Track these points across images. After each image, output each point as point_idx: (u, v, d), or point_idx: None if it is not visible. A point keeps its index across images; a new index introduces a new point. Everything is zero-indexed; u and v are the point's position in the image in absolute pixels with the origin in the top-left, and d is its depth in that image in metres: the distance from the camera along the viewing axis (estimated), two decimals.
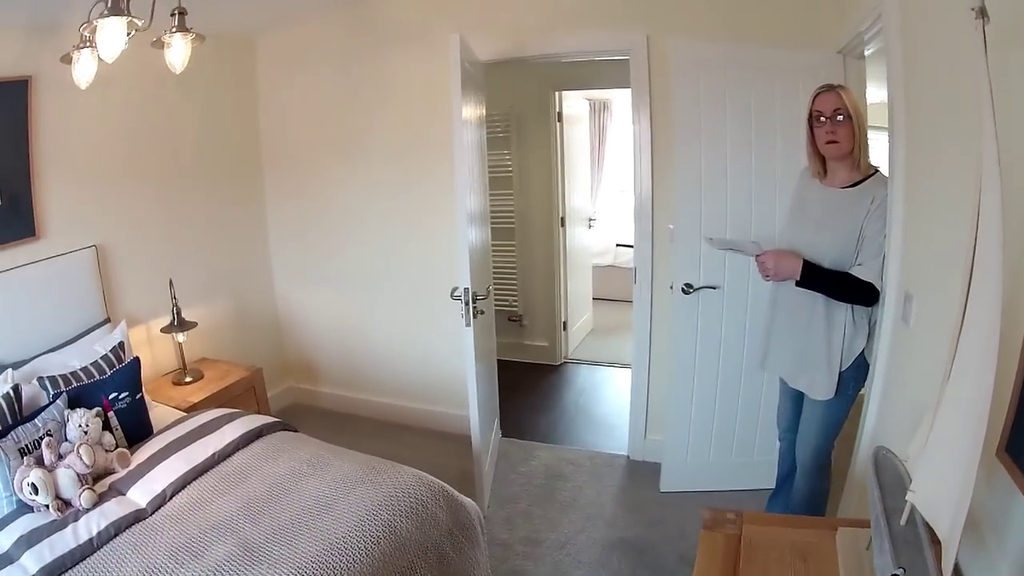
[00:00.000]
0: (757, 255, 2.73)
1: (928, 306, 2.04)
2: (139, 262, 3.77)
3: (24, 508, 2.42)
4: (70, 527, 2.31)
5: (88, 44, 2.67)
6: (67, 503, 2.43)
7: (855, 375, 2.62)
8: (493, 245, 4.51)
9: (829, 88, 2.55)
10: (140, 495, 2.52)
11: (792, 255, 2.60)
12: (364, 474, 2.65)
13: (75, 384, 2.89)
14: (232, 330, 4.45)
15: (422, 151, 4.21)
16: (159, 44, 2.70)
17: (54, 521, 2.34)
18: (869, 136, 2.57)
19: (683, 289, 3.43)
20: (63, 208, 3.35)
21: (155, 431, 3.00)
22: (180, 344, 3.77)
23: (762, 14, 3.40)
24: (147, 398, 3.18)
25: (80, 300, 3.38)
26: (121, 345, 3.27)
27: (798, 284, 2.58)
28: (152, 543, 2.27)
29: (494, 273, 4.82)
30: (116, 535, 2.31)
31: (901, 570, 1.13)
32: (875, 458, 1.62)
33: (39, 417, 2.62)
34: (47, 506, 2.39)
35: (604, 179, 8.00)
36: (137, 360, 3.13)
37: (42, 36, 3.11)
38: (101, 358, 3.12)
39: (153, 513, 2.45)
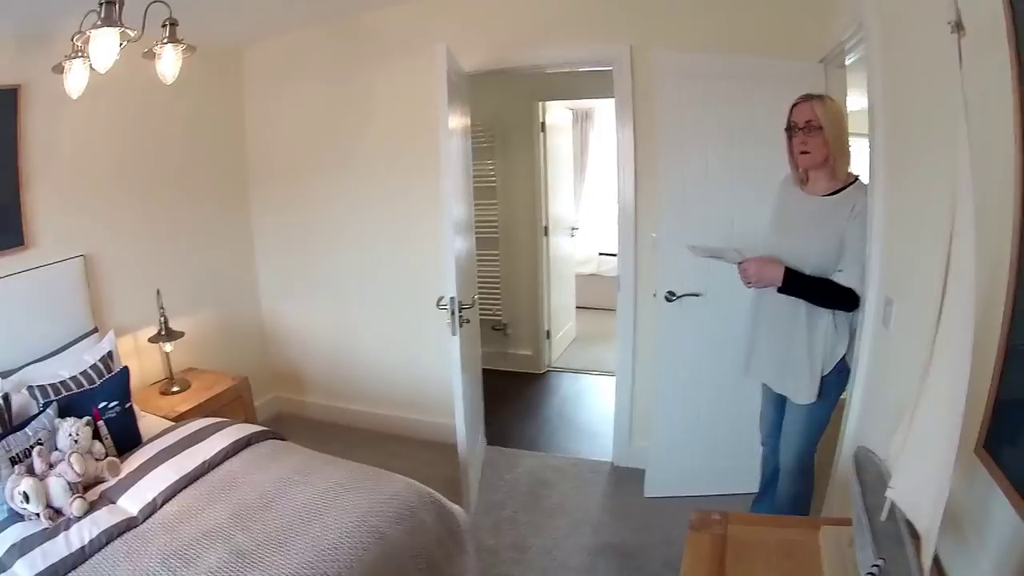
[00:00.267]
0: (739, 262, 2.78)
1: (908, 310, 2.10)
2: (126, 272, 3.78)
3: (15, 517, 2.42)
4: (62, 535, 2.31)
5: (80, 54, 2.69)
6: (58, 511, 2.44)
7: (837, 379, 2.68)
8: (477, 254, 4.55)
9: (805, 99, 2.62)
10: (131, 503, 2.53)
11: (774, 262, 2.66)
12: (353, 481, 2.68)
13: (65, 393, 2.90)
14: (218, 340, 4.46)
15: (407, 162, 4.25)
16: (150, 55, 2.73)
17: (46, 529, 2.35)
18: (852, 143, 2.64)
19: (666, 296, 3.48)
20: (51, 217, 3.36)
21: (144, 440, 3.01)
22: (167, 354, 3.78)
23: (745, 24, 3.46)
24: (135, 408, 3.19)
25: (68, 310, 3.38)
26: (110, 355, 3.28)
27: (780, 291, 2.64)
28: (144, 551, 2.28)
29: (478, 282, 4.87)
30: (108, 543, 2.31)
31: (881, 560, 1.18)
32: (856, 457, 1.68)
33: (29, 426, 2.62)
34: (38, 514, 2.39)
35: (587, 188, 8.07)
36: (126, 369, 3.14)
37: (31, 45, 3.13)
38: (90, 368, 3.13)
39: (144, 521, 2.45)
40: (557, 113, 6.12)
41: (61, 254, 3.38)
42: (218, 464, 2.81)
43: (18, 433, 2.58)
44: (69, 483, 2.47)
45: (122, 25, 2.39)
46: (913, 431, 1.34)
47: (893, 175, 2.31)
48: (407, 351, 4.57)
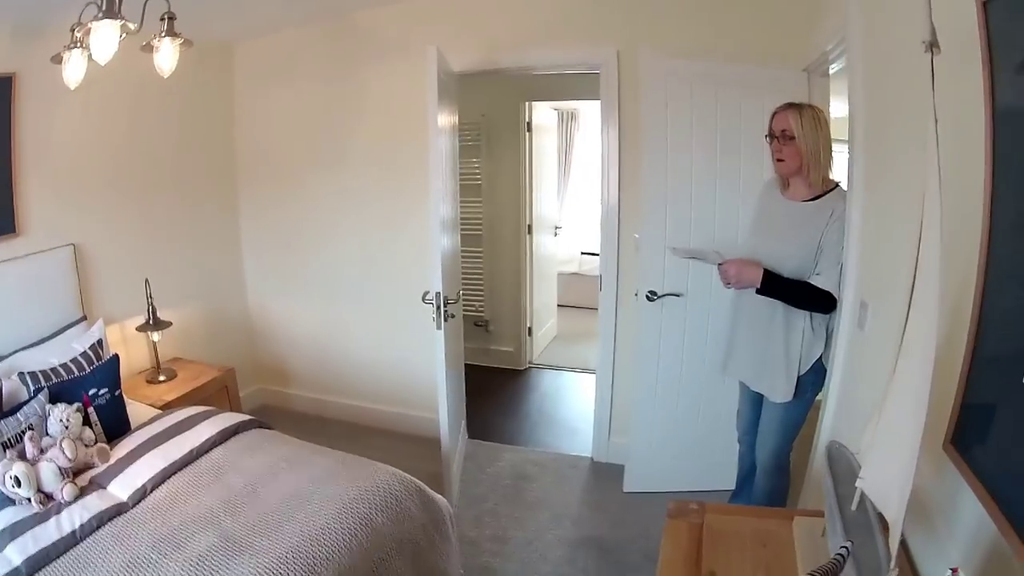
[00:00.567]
0: (719, 264, 2.86)
1: (881, 313, 2.18)
2: (115, 262, 3.80)
3: (6, 501, 2.44)
4: (53, 519, 2.34)
5: (79, 45, 2.71)
6: (49, 496, 2.47)
7: (813, 379, 2.77)
8: (461, 251, 4.61)
9: (784, 108, 2.69)
10: (121, 489, 2.56)
11: (753, 264, 2.74)
12: (340, 470, 2.73)
13: (55, 380, 2.93)
14: (204, 331, 4.48)
15: (395, 159, 4.30)
16: (148, 48, 2.76)
17: (36, 514, 2.37)
18: (835, 149, 2.72)
19: (647, 296, 3.55)
20: (43, 206, 3.38)
21: (133, 428, 3.04)
22: (155, 343, 3.81)
23: (731, 32, 3.54)
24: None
25: (57, 298, 3.41)
26: (100, 343, 3.31)
27: (758, 292, 2.71)
28: (135, 535, 2.32)
29: (462, 279, 4.92)
30: (99, 527, 2.35)
31: (849, 543, 1.26)
32: (829, 451, 1.76)
33: (21, 411, 2.66)
34: (29, 499, 2.42)
35: (570, 188, 8.14)
36: (116, 357, 3.17)
37: (27, 34, 3.14)
38: (80, 355, 3.16)
39: (134, 506, 2.49)
40: (543, 113, 6.18)
41: (52, 243, 3.40)
42: (206, 452, 2.85)
43: (9, 418, 2.61)
44: (60, 468, 2.50)
45: (123, 18, 2.42)
46: (881, 426, 1.42)
47: (870, 182, 2.40)
48: (391, 345, 4.63)
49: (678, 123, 3.41)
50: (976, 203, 1.38)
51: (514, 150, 5.74)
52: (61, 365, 3.05)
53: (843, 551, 1.24)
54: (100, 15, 2.39)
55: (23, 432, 2.59)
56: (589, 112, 7.61)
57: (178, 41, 2.76)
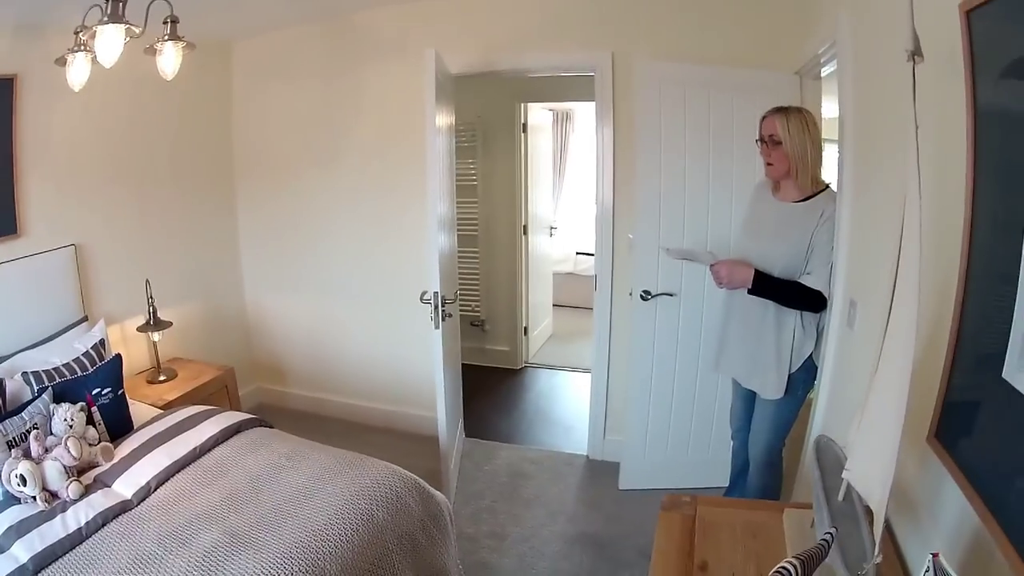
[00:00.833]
0: (712, 264, 2.91)
1: (870, 311, 2.23)
2: (115, 262, 3.84)
3: (12, 499, 2.48)
4: (59, 517, 2.38)
5: (83, 48, 2.75)
6: (54, 495, 2.50)
7: (804, 377, 2.82)
8: (458, 252, 4.65)
9: (773, 112, 2.74)
10: (125, 487, 2.60)
11: (744, 265, 2.79)
12: (341, 467, 2.77)
13: (58, 380, 2.97)
14: (202, 331, 4.52)
15: (393, 159, 4.34)
16: (151, 51, 2.81)
17: (42, 512, 2.41)
18: (826, 149, 2.77)
19: (642, 296, 3.60)
20: (44, 206, 3.42)
21: (136, 427, 3.08)
22: (155, 343, 3.85)
23: (725, 35, 3.59)
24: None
25: (59, 298, 3.45)
26: (102, 342, 3.35)
27: (750, 292, 2.76)
28: (140, 532, 2.35)
29: (458, 279, 4.97)
30: (104, 525, 2.39)
31: (834, 528, 1.31)
32: (817, 444, 1.82)
33: (25, 411, 2.69)
34: (35, 497, 2.45)
35: (565, 188, 8.19)
36: (119, 357, 3.21)
37: (28, 35, 3.18)
38: (83, 355, 3.20)
39: (139, 504, 2.53)
40: (538, 114, 6.23)
41: (53, 243, 3.43)
42: (209, 450, 2.89)
43: (14, 417, 2.64)
44: (65, 467, 2.54)
45: (127, 22, 2.46)
46: (865, 419, 1.48)
47: (859, 184, 2.45)
48: (388, 344, 4.67)
49: (672, 125, 3.46)
50: (958, 204, 1.43)
51: (510, 151, 5.79)
52: (64, 365, 3.09)
53: (828, 536, 1.29)
54: (105, 19, 2.43)
55: (28, 431, 2.62)
56: (584, 112, 7.68)
57: (181, 44, 2.80)
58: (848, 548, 1.41)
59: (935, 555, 1.13)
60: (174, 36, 2.77)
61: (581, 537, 3.48)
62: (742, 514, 1.96)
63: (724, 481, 3.44)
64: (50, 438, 2.67)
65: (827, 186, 2.75)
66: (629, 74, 3.67)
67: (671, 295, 3.61)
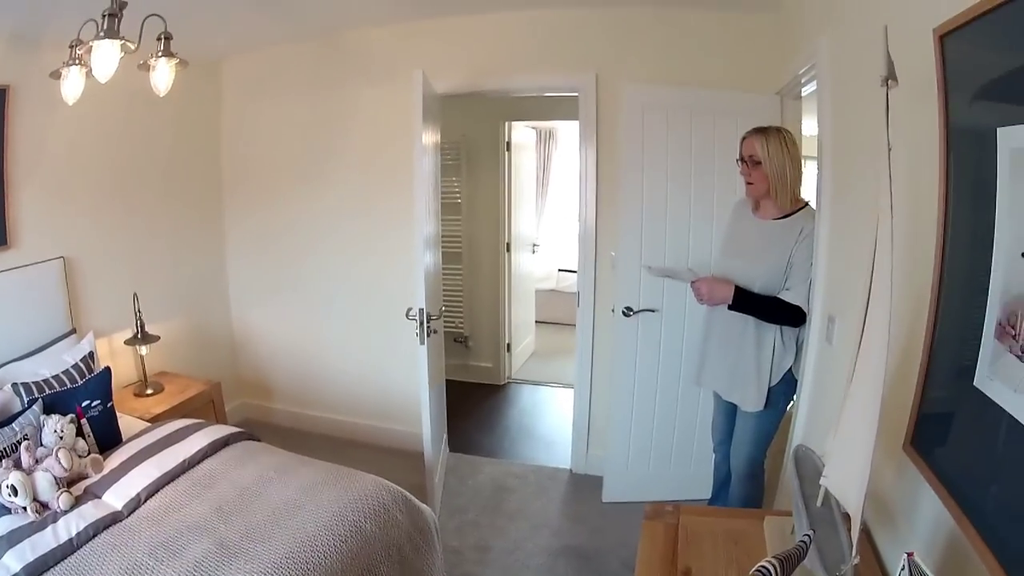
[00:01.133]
0: (692, 281, 2.98)
1: (847, 326, 2.29)
2: (103, 275, 3.86)
3: (3, 510, 2.48)
4: (50, 528, 2.39)
5: (78, 62, 2.78)
6: (45, 505, 2.51)
7: (784, 390, 2.89)
8: (442, 268, 4.70)
9: (752, 133, 2.82)
10: (115, 498, 2.61)
11: (724, 282, 2.86)
12: (329, 480, 2.81)
13: (48, 391, 2.98)
14: (189, 345, 4.54)
15: (379, 177, 4.40)
16: (145, 67, 2.85)
17: (33, 522, 2.42)
18: (807, 167, 2.85)
19: (624, 312, 3.67)
20: (34, 218, 3.44)
21: (124, 439, 3.09)
22: (142, 357, 3.86)
23: (707, 58, 3.69)
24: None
25: (47, 310, 3.46)
26: (91, 355, 3.37)
27: (730, 308, 2.84)
28: (131, 543, 2.37)
29: (442, 295, 5.01)
30: (95, 535, 2.40)
31: (812, 531, 1.37)
32: (796, 453, 1.89)
33: (16, 422, 2.70)
34: (26, 508, 2.46)
35: (548, 206, 8.26)
36: (108, 370, 3.22)
37: (23, 47, 3.22)
38: (72, 367, 3.21)
39: (129, 515, 2.54)
40: (521, 132, 6.31)
41: (42, 255, 3.45)
42: (198, 463, 2.91)
43: (4, 428, 2.65)
44: (56, 478, 2.55)
45: (123, 38, 2.50)
46: (841, 428, 1.55)
47: (837, 202, 2.54)
48: (373, 360, 4.70)
49: (654, 145, 3.54)
50: (931, 221, 1.51)
51: (493, 169, 5.86)
52: (53, 377, 3.10)
53: (806, 538, 1.35)
54: (101, 34, 2.47)
55: (18, 442, 2.63)
56: (566, 131, 7.76)
57: (174, 61, 2.84)
58: (827, 551, 1.47)
59: (910, 554, 1.19)
60: (167, 53, 2.81)
61: (565, 550, 3.52)
62: (724, 522, 2.02)
63: (706, 493, 3.49)
64: (40, 449, 2.69)
65: (806, 204, 2.83)
66: (613, 95, 3.75)
67: (653, 311, 3.68)
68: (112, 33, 2.50)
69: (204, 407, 3.91)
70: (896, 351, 1.44)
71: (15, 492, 2.45)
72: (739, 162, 2.87)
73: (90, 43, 2.52)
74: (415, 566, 2.75)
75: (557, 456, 4.59)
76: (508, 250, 6.07)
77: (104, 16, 2.49)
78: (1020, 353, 1.15)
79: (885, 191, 1.39)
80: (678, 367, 3.71)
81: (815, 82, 2.88)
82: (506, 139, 5.85)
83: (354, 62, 4.32)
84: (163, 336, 4.05)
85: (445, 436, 4.48)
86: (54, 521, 2.44)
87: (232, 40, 4.28)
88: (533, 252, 6.99)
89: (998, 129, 1.24)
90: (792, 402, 2.93)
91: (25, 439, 2.66)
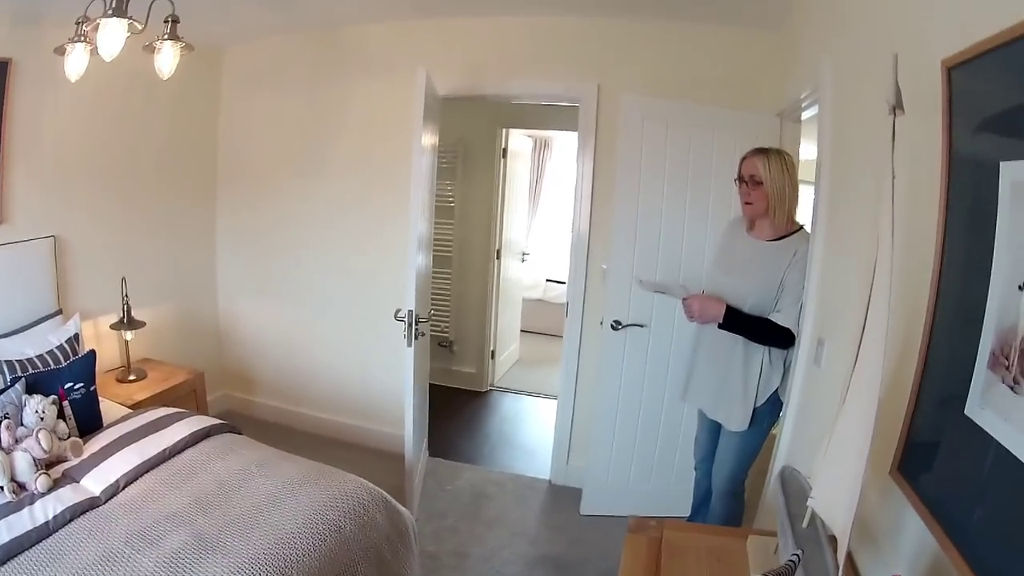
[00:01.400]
0: (684, 298, 2.99)
1: (837, 350, 2.32)
2: (93, 257, 3.83)
3: None
4: (26, 509, 2.36)
5: (83, 39, 2.77)
6: (22, 486, 2.49)
7: (770, 410, 2.91)
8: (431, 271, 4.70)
9: (753, 153, 2.84)
10: (94, 484, 2.59)
11: (716, 300, 2.88)
12: (310, 477, 2.79)
13: (32, 371, 2.95)
14: (174, 333, 4.51)
15: (374, 175, 4.40)
16: (150, 49, 2.84)
17: (9, 503, 2.39)
18: (803, 190, 2.87)
19: (612, 325, 3.68)
20: (27, 195, 3.42)
21: (106, 424, 3.07)
22: (127, 342, 3.83)
23: (711, 75, 3.72)
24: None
25: (35, 289, 3.44)
26: (76, 337, 3.34)
27: (721, 327, 2.85)
28: (107, 530, 2.34)
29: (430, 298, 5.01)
30: (71, 520, 2.38)
31: (800, 551, 1.38)
32: (782, 474, 1.90)
33: None
34: (2, 488, 2.44)
35: (539, 214, 8.27)
36: (93, 353, 3.19)
37: (27, 22, 3.19)
38: (56, 348, 3.19)
39: (107, 502, 2.52)
40: (518, 140, 6.33)
41: (33, 232, 3.43)
42: (179, 452, 2.88)
43: None
44: (35, 459, 2.53)
45: (131, 18, 2.50)
46: (831, 450, 1.56)
47: (832, 226, 2.55)
48: (358, 359, 4.69)
49: (652, 160, 3.55)
50: (928, 247, 1.53)
51: (488, 175, 5.86)
52: (37, 357, 3.08)
53: (794, 558, 1.36)
54: (109, 12, 2.46)
55: None
56: (562, 141, 7.79)
57: (180, 45, 2.83)
58: (812, 571, 1.48)
59: None
60: (174, 36, 2.81)
61: (542, 559, 3.52)
62: (707, 539, 2.03)
63: (686, 510, 3.49)
64: (20, 429, 2.65)
65: (801, 227, 2.86)
66: (613, 107, 3.76)
67: (641, 326, 3.69)
68: (120, 12, 2.50)
69: (186, 396, 3.88)
70: (886, 377, 1.46)
71: None
72: (737, 182, 2.89)
73: (97, 20, 2.51)
74: (393, 568, 2.74)
75: (536, 466, 4.58)
76: (498, 257, 6.07)
77: None
78: (1012, 383, 1.16)
79: (887, 216, 1.41)
80: (663, 383, 3.72)
81: (815, 107, 2.90)
82: (503, 145, 5.87)
83: (354, 57, 4.32)
84: (150, 322, 4.03)
85: (425, 440, 4.46)
86: (31, 503, 2.41)
87: (233, 28, 4.27)
88: (523, 260, 6.99)
89: (1001, 163, 1.26)
90: (777, 423, 2.95)
91: (6, 417, 2.63)
